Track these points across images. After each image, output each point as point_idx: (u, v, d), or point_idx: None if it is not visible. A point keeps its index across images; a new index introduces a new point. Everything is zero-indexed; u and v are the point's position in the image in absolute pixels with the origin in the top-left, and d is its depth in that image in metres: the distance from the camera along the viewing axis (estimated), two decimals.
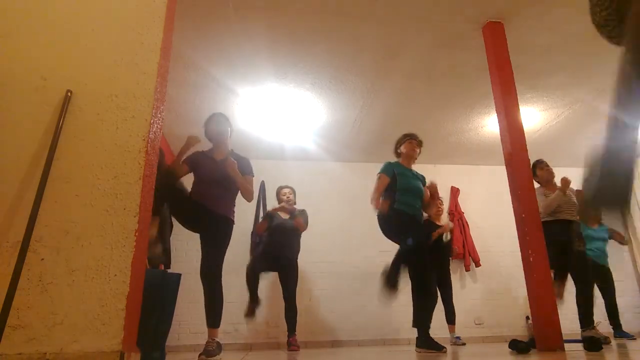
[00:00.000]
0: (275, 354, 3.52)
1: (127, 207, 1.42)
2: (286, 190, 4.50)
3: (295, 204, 4.52)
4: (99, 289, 1.31)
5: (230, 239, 2.96)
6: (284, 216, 4.38)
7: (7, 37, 1.56)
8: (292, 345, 4.04)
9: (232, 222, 2.99)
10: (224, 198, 2.98)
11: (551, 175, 3.74)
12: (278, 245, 4.22)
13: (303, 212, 4.45)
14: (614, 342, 3.75)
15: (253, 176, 3.11)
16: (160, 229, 3.07)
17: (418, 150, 3.46)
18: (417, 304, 3.06)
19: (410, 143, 3.44)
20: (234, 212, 3.03)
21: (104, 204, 1.41)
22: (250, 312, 4.00)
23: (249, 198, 3.05)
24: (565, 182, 3.48)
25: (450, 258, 4.76)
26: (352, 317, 5.15)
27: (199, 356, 2.69)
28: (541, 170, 3.75)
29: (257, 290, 4.04)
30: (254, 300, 3.99)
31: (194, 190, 3.01)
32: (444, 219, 4.66)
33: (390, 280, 3.03)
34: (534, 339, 2.85)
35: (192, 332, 4.92)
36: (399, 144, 3.53)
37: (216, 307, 2.81)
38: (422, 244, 3.20)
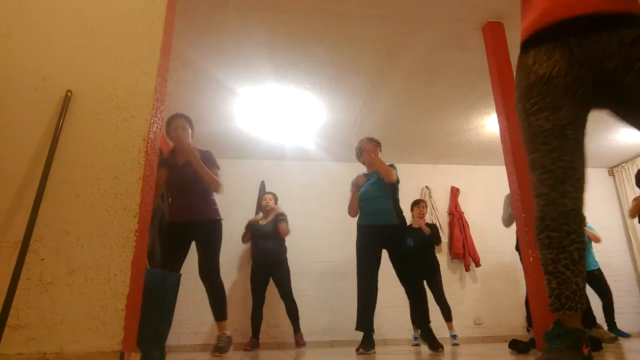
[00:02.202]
0: (275, 354, 3.51)
1: (127, 207, 1.42)
2: (267, 196, 4.58)
3: (276, 210, 4.55)
4: (99, 289, 1.31)
5: (221, 236, 2.99)
6: (263, 222, 4.45)
7: (7, 37, 1.56)
8: (298, 343, 4.18)
9: (219, 221, 2.99)
10: (202, 203, 2.95)
11: None
12: (264, 252, 4.34)
13: (284, 216, 4.48)
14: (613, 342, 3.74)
15: (218, 168, 3.05)
16: (160, 229, 3.08)
17: (378, 151, 3.41)
18: (415, 308, 3.12)
19: (366, 151, 3.42)
20: (216, 209, 3.01)
21: (104, 204, 1.41)
22: (251, 345, 4.19)
23: (217, 189, 2.98)
24: None
25: (435, 250, 4.73)
26: (352, 317, 5.13)
27: (213, 353, 2.74)
28: None
29: (259, 330, 4.27)
30: (254, 336, 4.25)
31: (172, 206, 2.99)
32: (422, 222, 4.67)
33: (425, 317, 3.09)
34: (534, 339, 2.85)
35: (192, 332, 4.92)
36: (358, 154, 3.55)
37: (220, 301, 2.88)
38: (400, 246, 3.17)
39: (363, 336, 2.99)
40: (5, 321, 1.18)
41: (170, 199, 3.05)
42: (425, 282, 4.39)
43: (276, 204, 4.57)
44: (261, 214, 4.59)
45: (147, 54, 1.62)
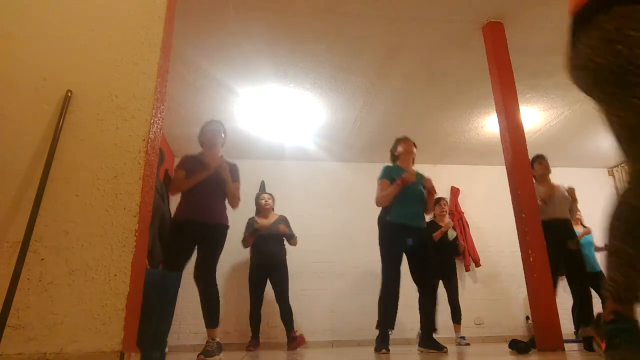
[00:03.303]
0: (275, 354, 3.51)
1: (127, 207, 1.42)
2: (265, 196, 4.53)
3: (273, 209, 4.53)
4: (99, 289, 1.31)
5: (223, 244, 2.98)
6: (262, 221, 4.40)
7: (7, 37, 1.56)
8: (295, 339, 4.13)
9: (226, 227, 3.01)
10: (218, 206, 2.97)
11: (547, 170, 3.72)
12: (264, 253, 4.29)
13: (285, 219, 4.46)
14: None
15: (240, 183, 3.11)
16: (160, 229, 3.08)
17: (415, 149, 3.41)
18: (425, 308, 3.09)
19: (405, 142, 3.38)
20: (226, 216, 3.03)
21: (104, 204, 1.41)
22: (253, 346, 4.16)
23: (235, 205, 3.05)
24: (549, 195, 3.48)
25: (456, 257, 4.77)
26: (352, 317, 5.15)
27: (198, 356, 2.69)
28: (539, 164, 3.73)
29: (259, 331, 4.22)
30: (255, 337, 4.21)
31: (185, 204, 2.95)
32: (446, 219, 4.66)
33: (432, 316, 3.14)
34: (534, 339, 2.85)
35: (192, 332, 4.92)
36: (394, 147, 3.48)
37: (212, 308, 2.82)
38: (423, 250, 3.16)
39: (383, 335, 3.00)
40: (5, 321, 1.18)
41: (184, 197, 3.00)
42: (441, 281, 4.41)
43: (273, 204, 4.54)
44: (255, 225, 4.51)
45: (147, 54, 1.62)
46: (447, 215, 4.73)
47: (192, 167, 2.97)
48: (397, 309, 3.10)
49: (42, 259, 1.32)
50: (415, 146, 3.43)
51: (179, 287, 2.40)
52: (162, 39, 1.66)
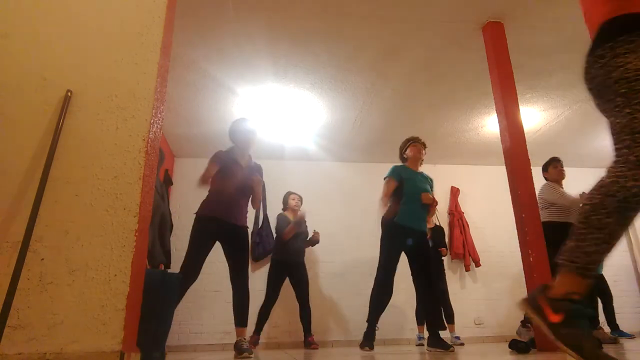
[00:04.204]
0: (275, 354, 3.51)
1: (127, 207, 1.42)
2: (296, 197, 4.60)
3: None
4: (99, 288, 1.31)
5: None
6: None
7: (7, 37, 1.56)
8: (311, 344, 4.19)
9: (247, 229, 3.12)
10: (244, 209, 3.09)
11: (561, 176, 3.70)
12: (289, 250, 4.33)
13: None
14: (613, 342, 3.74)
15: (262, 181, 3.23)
16: (160, 229, 3.08)
17: (424, 152, 3.46)
18: (429, 309, 3.12)
19: (415, 146, 3.42)
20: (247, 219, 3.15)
21: (104, 204, 1.41)
22: (253, 342, 4.16)
23: (257, 206, 3.17)
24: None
25: (442, 256, 4.73)
26: (352, 317, 5.15)
27: (240, 354, 2.79)
28: (554, 168, 3.71)
29: (262, 328, 4.23)
30: (257, 333, 4.20)
31: (215, 203, 2.99)
32: (431, 221, 4.70)
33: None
34: (533, 339, 2.85)
35: (192, 332, 4.92)
36: (403, 148, 3.51)
37: (245, 307, 2.94)
38: (426, 252, 3.21)
39: (370, 331, 3.11)
40: (5, 321, 1.18)
41: (214, 195, 3.04)
42: None
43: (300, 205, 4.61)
44: (295, 218, 4.53)
45: (147, 54, 1.62)
46: (435, 217, 4.78)
47: (226, 163, 3.04)
48: (386, 307, 3.20)
49: (42, 259, 1.32)
50: (425, 146, 3.48)
51: (179, 287, 2.40)
52: (162, 39, 1.66)
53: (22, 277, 1.25)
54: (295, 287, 4.32)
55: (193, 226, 2.97)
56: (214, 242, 2.99)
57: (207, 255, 2.93)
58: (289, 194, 4.64)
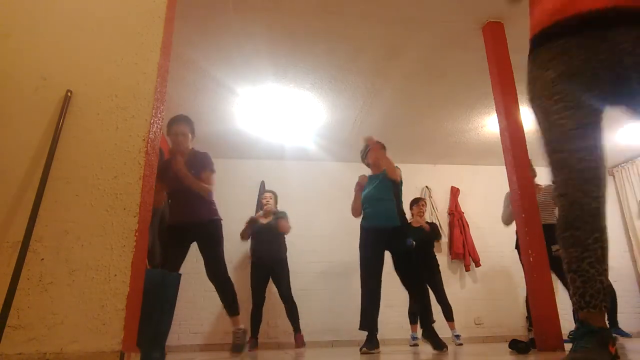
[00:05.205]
0: (275, 354, 3.52)
1: (127, 207, 1.42)
2: (267, 195, 4.53)
3: (275, 208, 4.53)
4: (99, 289, 1.31)
5: (222, 236, 3.03)
6: (264, 221, 4.41)
7: (7, 37, 1.56)
8: (298, 343, 4.16)
9: (219, 221, 3.03)
10: (199, 204, 2.97)
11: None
12: (263, 251, 4.29)
13: (284, 214, 4.46)
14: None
15: (213, 172, 3.05)
16: (160, 229, 3.08)
17: (383, 153, 3.43)
18: (417, 307, 3.13)
19: (371, 151, 3.45)
20: (215, 209, 3.04)
21: (104, 204, 1.41)
22: (251, 345, 4.13)
23: (205, 195, 3.00)
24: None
25: (434, 251, 4.72)
26: (352, 317, 5.13)
27: (232, 352, 2.85)
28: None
29: (258, 331, 4.20)
30: (254, 337, 4.16)
31: (172, 211, 3.01)
32: (422, 221, 4.65)
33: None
34: (533, 339, 2.85)
35: (192, 332, 4.92)
36: (363, 156, 3.56)
37: (230, 297, 2.97)
38: (404, 249, 3.19)
39: (367, 335, 3.01)
40: (5, 321, 1.18)
41: (169, 201, 3.06)
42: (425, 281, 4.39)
43: (276, 202, 4.54)
44: (261, 212, 4.55)
45: (147, 54, 1.62)
46: (424, 217, 4.73)
47: (163, 176, 2.92)
48: (377, 311, 3.11)
49: (42, 259, 1.32)
50: (383, 148, 3.48)
51: (179, 287, 2.40)
52: (162, 39, 1.66)
53: (22, 277, 1.25)
54: (277, 285, 4.28)
55: (166, 234, 2.99)
56: (188, 245, 2.98)
57: (182, 258, 2.94)
58: (261, 193, 4.61)
